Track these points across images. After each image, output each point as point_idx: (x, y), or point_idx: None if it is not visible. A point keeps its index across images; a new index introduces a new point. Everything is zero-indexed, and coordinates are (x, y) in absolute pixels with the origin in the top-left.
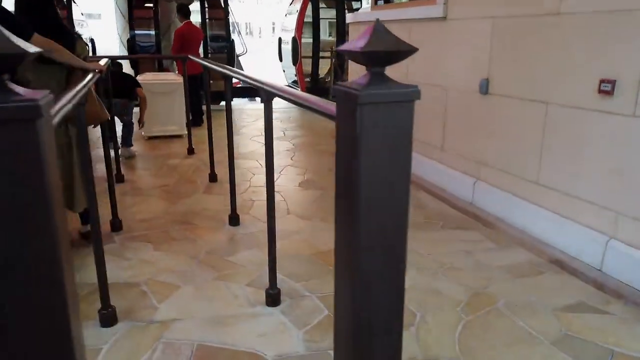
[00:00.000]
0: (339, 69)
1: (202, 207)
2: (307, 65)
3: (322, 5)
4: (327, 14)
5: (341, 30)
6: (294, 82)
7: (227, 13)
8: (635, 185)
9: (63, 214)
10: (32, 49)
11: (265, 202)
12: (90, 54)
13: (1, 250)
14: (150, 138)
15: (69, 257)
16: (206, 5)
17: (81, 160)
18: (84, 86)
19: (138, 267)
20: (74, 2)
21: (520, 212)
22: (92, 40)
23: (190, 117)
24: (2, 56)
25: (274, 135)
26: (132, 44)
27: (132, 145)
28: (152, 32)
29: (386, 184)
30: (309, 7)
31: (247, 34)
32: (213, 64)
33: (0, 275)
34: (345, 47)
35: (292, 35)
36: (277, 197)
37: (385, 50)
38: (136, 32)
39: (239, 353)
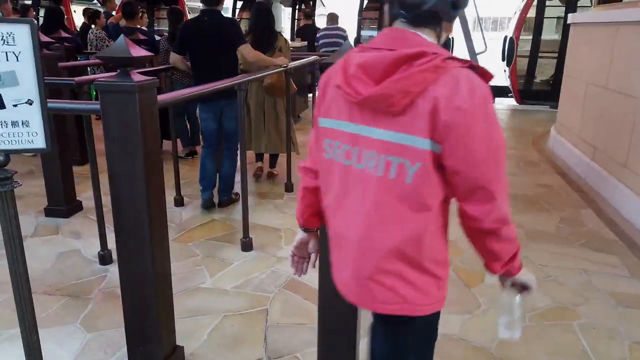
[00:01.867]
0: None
1: None
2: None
3: (550, 2)
4: (556, 12)
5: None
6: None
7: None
8: None
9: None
10: (136, 53)
11: None
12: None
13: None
14: None
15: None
16: None
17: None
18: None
19: (288, 219)
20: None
21: None
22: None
23: None
24: (122, 59)
25: None
26: None
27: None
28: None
29: None
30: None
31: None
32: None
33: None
34: None
35: (510, 34)
36: None
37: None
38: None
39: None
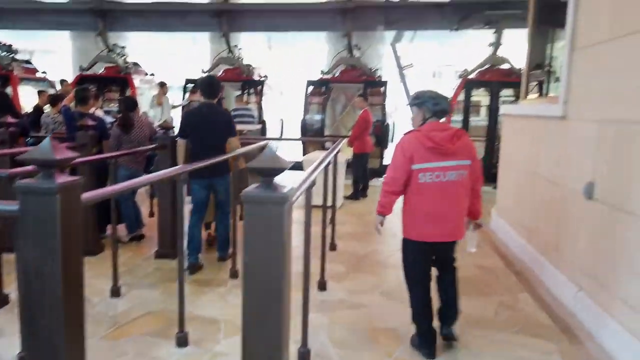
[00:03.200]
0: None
1: None
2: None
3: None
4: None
5: (494, 116)
6: None
7: (384, 98)
8: None
9: None
10: (61, 155)
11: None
12: None
13: None
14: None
15: None
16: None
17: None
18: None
19: (230, 309)
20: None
21: (610, 335)
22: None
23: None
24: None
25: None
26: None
27: None
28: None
29: None
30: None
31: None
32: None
33: None
34: None
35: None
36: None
37: None
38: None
39: None
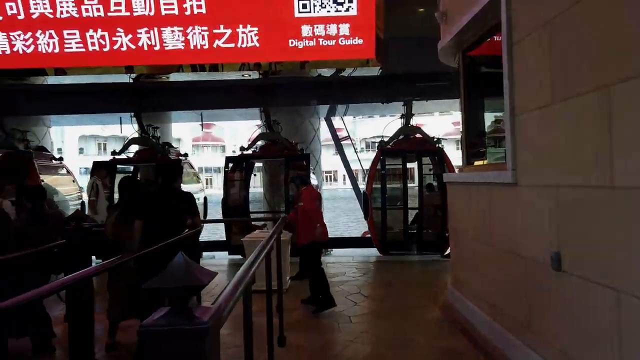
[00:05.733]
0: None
1: None
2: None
3: (390, 161)
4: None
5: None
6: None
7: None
8: None
9: None
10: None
11: None
12: None
13: None
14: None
15: None
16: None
17: None
18: None
19: None
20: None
21: None
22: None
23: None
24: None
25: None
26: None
27: None
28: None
29: None
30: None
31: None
32: None
33: None
34: None
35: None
36: None
37: None
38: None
39: None
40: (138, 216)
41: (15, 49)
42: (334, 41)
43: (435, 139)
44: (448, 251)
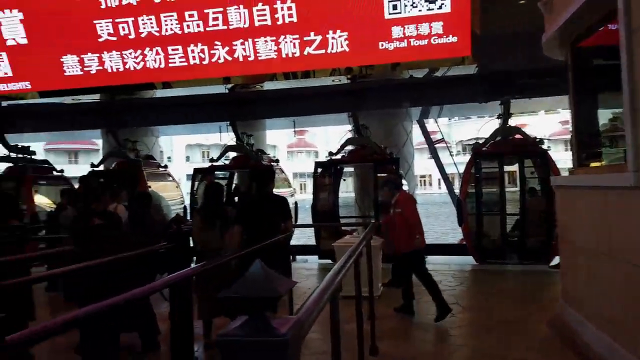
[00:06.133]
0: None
1: None
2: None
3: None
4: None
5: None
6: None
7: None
8: None
9: None
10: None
11: None
12: None
13: None
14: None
15: None
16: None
17: None
18: None
19: None
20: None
21: None
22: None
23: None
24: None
25: None
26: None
27: None
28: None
29: None
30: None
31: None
32: None
33: None
34: None
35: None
36: None
37: None
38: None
39: None
40: (236, 221)
41: (127, 66)
42: (427, 41)
43: (537, 140)
44: (555, 261)
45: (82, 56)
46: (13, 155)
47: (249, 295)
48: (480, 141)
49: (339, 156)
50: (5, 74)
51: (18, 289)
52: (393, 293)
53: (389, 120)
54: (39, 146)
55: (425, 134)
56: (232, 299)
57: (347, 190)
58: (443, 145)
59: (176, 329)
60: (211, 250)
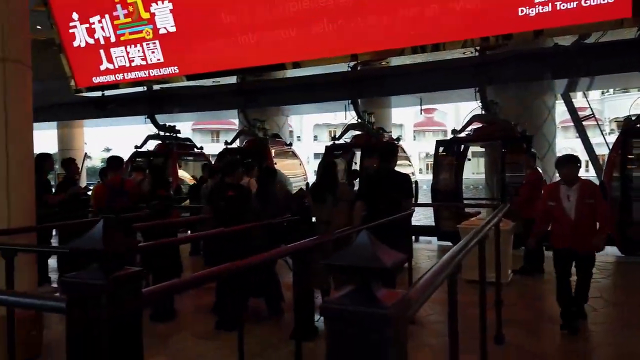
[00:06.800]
0: None
1: None
2: None
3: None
4: None
5: None
6: None
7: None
8: None
9: None
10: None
11: None
12: None
13: None
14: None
15: None
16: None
17: None
18: None
19: None
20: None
21: None
22: None
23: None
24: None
25: None
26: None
27: None
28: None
29: None
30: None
31: None
32: None
33: None
34: None
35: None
36: None
37: None
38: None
39: None
40: (359, 197)
41: (261, 49)
42: (576, 3)
43: None
44: None
45: (222, 40)
46: (161, 133)
47: (352, 264)
48: (634, 117)
49: (463, 134)
50: (158, 60)
51: (168, 249)
52: (524, 280)
53: (526, 96)
54: (187, 126)
55: (571, 110)
56: (334, 266)
57: (474, 171)
58: (593, 123)
59: (299, 296)
60: (322, 223)
